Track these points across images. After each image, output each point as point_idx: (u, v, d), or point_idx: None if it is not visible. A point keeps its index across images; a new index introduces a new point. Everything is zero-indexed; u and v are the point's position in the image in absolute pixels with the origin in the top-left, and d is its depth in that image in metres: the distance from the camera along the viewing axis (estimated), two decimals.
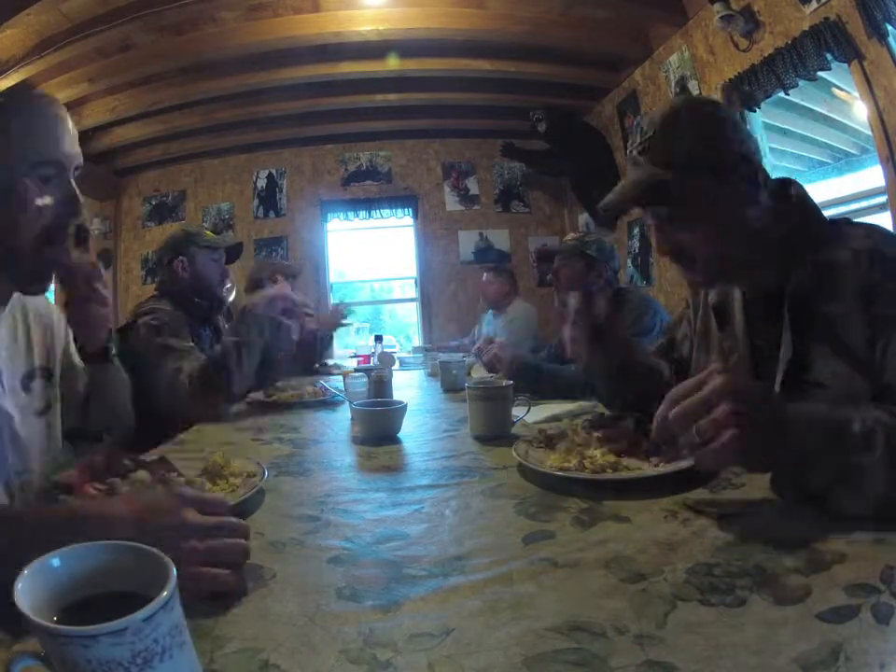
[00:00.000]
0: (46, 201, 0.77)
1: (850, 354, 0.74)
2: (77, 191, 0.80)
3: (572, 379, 1.51)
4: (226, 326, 1.94)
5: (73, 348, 1.06)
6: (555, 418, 1.21)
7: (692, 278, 0.90)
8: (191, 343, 1.62)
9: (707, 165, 0.81)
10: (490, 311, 3.52)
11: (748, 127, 0.87)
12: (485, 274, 3.52)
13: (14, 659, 0.35)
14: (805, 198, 0.87)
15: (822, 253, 0.79)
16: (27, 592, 0.35)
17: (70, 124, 0.84)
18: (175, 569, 0.36)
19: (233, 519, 0.57)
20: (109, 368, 1.07)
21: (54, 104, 0.84)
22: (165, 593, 0.34)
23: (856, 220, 0.88)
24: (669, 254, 0.87)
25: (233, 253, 1.97)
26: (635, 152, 0.87)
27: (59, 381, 0.99)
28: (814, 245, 0.81)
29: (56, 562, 0.38)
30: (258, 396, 1.72)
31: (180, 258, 1.79)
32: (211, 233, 1.90)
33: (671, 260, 0.89)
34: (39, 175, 0.77)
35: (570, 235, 2.16)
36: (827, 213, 0.89)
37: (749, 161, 0.83)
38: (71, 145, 0.83)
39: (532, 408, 1.17)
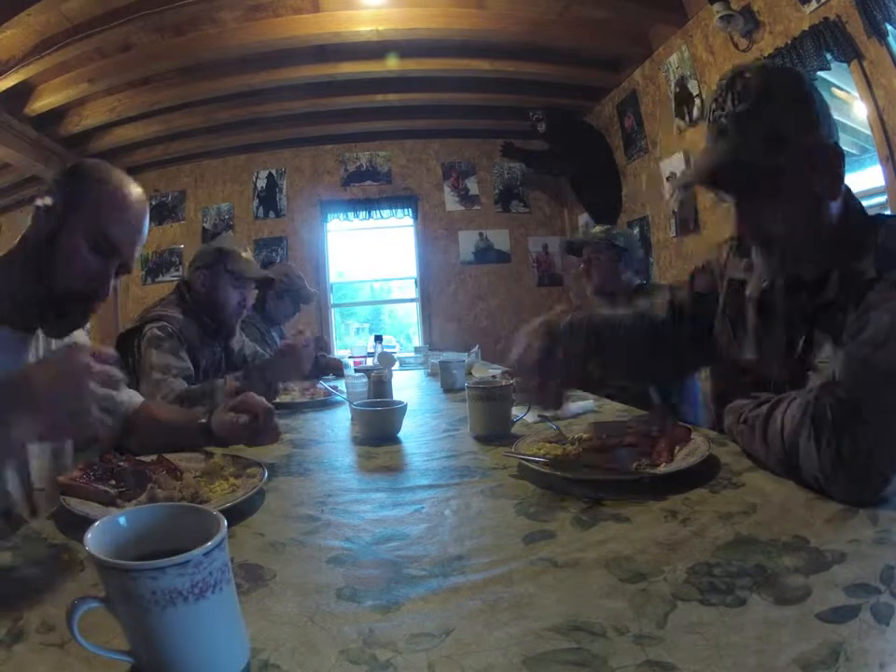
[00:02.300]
0: (87, 267, 0.89)
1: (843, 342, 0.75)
2: (112, 280, 0.93)
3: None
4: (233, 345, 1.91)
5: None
6: (556, 418, 1.21)
7: (768, 264, 0.87)
8: (186, 363, 1.57)
9: (802, 151, 0.78)
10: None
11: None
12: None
13: (77, 604, 0.39)
14: (853, 197, 0.86)
15: (858, 253, 0.78)
16: (96, 542, 0.41)
17: (145, 232, 0.97)
18: (225, 521, 0.42)
19: (116, 372, 0.65)
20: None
21: (145, 204, 0.96)
22: (220, 533, 0.40)
23: (887, 214, 0.87)
24: (752, 236, 0.85)
25: (261, 284, 1.92)
26: (723, 120, 0.82)
27: None
28: (854, 245, 0.80)
29: (122, 520, 0.45)
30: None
31: (203, 272, 1.73)
32: (246, 255, 1.81)
33: (752, 243, 0.86)
34: (94, 245, 0.89)
35: (597, 228, 2.18)
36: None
37: (837, 150, 0.80)
38: (134, 246, 0.94)
39: (532, 408, 1.17)
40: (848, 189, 0.84)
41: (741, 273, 0.99)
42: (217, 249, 1.77)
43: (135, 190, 0.95)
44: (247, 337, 2.12)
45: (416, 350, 3.24)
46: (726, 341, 1.02)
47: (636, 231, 4.07)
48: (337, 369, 2.36)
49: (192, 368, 1.59)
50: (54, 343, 0.98)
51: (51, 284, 0.88)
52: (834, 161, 0.80)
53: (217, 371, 1.78)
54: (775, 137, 0.78)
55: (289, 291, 2.62)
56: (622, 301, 1.93)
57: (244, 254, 1.81)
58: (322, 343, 2.87)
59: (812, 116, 0.80)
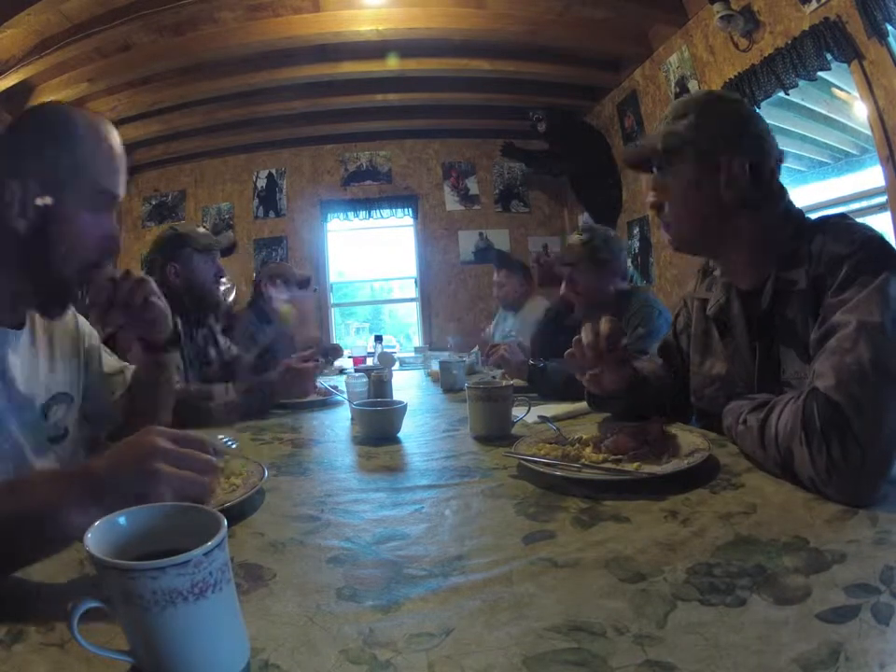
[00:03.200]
0: (97, 230, 0.78)
1: (809, 355, 0.79)
2: (118, 229, 0.82)
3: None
4: (221, 331, 1.92)
5: (99, 360, 1.05)
6: (556, 418, 1.21)
7: (667, 236, 1.00)
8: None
9: (694, 152, 0.91)
10: (502, 311, 3.26)
11: (760, 128, 0.93)
12: (497, 273, 3.22)
13: (77, 604, 0.39)
14: (790, 209, 0.93)
15: (791, 262, 0.85)
16: (96, 542, 0.41)
17: (124, 161, 0.85)
18: (225, 520, 0.41)
19: (204, 455, 0.60)
20: (166, 358, 1.05)
21: (115, 132, 0.84)
22: (220, 533, 0.40)
23: (827, 216, 0.92)
24: (652, 207, 0.99)
25: (227, 250, 1.94)
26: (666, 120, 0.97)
27: (82, 401, 0.99)
28: (786, 255, 0.87)
29: (122, 520, 0.45)
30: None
31: (172, 264, 1.73)
32: (204, 229, 1.84)
33: (662, 221, 0.99)
34: (95, 204, 0.78)
35: (575, 238, 1.99)
36: (827, 213, 0.95)
37: (764, 166, 0.89)
38: (124, 183, 0.83)
39: (532, 408, 1.17)
40: (787, 200, 0.93)
41: (703, 293, 1.05)
42: (173, 236, 1.78)
43: (107, 125, 0.82)
44: (237, 333, 2.14)
45: (416, 350, 3.24)
46: (698, 361, 1.06)
47: (635, 230, 4.07)
48: (336, 353, 2.36)
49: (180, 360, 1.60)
50: (58, 334, 0.94)
51: (55, 270, 0.77)
52: (741, 176, 0.88)
53: (206, 360, 1.79)
54: (674, 137, 0.92)
55: (285, 283, 2.65)
56: (606, 310, 1.88)
57: (200, 229, 1.84)
58: (334, 353, 2.86)
59: (733, 135, 0.90)
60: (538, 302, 3.11)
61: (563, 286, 1.97)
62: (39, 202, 0.73)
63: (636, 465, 0.81)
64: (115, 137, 0.82)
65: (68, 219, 0.76)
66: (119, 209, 0.84)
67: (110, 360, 1.09)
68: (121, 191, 0.83)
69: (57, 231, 0.76)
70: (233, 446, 0.83)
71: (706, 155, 0.90)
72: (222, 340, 1.94)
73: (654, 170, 0.97)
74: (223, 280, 1.87)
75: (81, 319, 1.02)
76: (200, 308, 1.80)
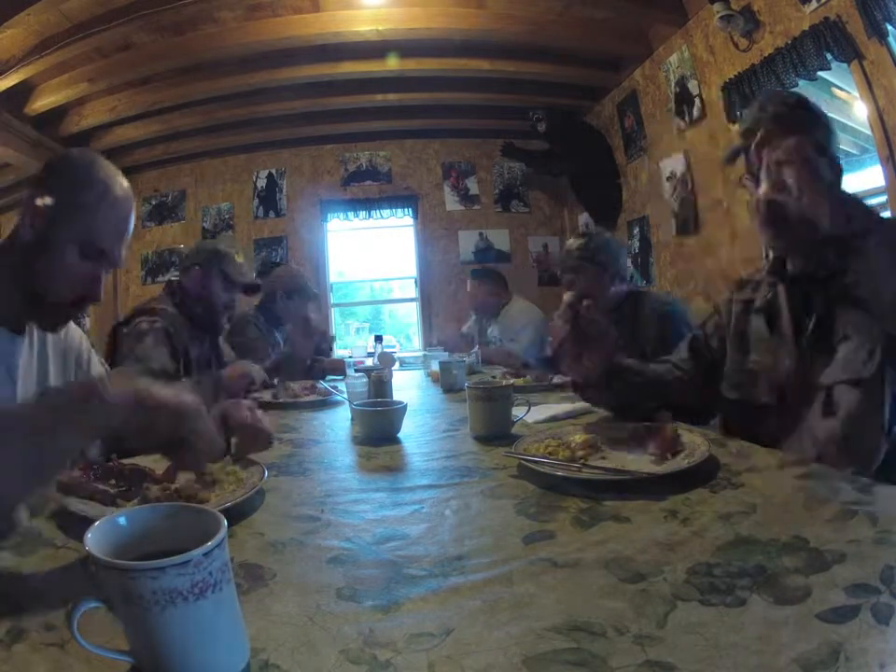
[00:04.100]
0: (77, 273, 0.87)
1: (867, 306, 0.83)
2: (102, 284, 0.90)
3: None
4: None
5: (88, 363, 1.07)
6: (555, 418, 1.21)
7: (778, 240, 0.98)
8: (164, 360, 1.58)
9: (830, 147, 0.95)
10: (475, 318, 3.21)
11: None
12: (468, 284, 3.17)
13: (77, 604, 0.39)
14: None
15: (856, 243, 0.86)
16: (96, 542, 0.41)
17: (131, 227, 0.95)
18: (225, 520, 0.42)
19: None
20: None
21: (132, 199, 0.94)
22: (220, 533, 0.40)
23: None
24: (776, 200, 0.90)
25: (247, 289, 1.96)
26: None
27: None
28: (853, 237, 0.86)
29: (122, 520, 0.45)
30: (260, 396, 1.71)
31: (195, 268, 1.80)
32: (240, 259, 1.88)
33: (769, 211, 0.93)
34: (83, 251, 0.86)
35: (573, 242, 1.94)
36: None
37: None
38: (122, 245, 0.92)
39: (532, 408, 1.17)
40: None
41: (748, 293, 1.09)
42: (214, 249, 1.84)
43: (122, 186, 0.92)
44: (248, 336, 2.15)
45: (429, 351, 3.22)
46: (738, 358, 1.07)
47: (635, 230, 4.07)
48: (337, 370, 2.35)
49: (171, 364, 1.60)
50: (50, 340, 0.97)
51: (41, 290, 0.85)
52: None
53: (208, 366, 1.81)
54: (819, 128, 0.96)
55: (297, 291, 2.65)
56: (613, 313, 1.87)
57: (237, 257, 1.86)
58: (327, 341, 2.85)
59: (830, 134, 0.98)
60: (518, 305, 3.06)
61: (565, 294, 1.95)
62: (38, 222, 0.83)
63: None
64: (129, 204, 0.92)
65: (57, 256, 0.84)
66: (114, 267, 0.92)
67: (98, 366, 1.11)
68: (115, 254, 0.90)
69: (46, 259, 0.84)
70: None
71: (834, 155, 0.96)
72: (225, 348, 1.96)
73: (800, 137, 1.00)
74: (230, 315, 1.90)
75: (71, 324, 1.05)
76: (203, 323, 1.82)
